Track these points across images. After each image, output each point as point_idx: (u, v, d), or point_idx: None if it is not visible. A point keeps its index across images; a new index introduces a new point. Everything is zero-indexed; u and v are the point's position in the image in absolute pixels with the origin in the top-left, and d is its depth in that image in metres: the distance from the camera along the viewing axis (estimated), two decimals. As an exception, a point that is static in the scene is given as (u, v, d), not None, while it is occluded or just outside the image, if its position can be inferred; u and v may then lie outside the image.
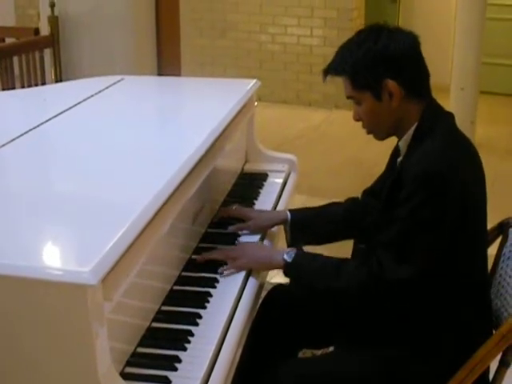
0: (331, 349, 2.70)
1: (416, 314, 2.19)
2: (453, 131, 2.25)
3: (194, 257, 2.39)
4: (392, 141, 2.39)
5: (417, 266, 2.09)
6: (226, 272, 2.28)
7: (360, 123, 2.33)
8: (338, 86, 2.31)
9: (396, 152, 2.41)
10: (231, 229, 2.60)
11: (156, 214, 1.89)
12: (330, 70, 2.31)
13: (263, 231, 2.64)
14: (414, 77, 2.24)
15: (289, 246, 2.63)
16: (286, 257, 2.27)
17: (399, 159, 2.33)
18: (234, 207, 2.71)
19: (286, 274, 2.32)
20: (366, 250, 2.42)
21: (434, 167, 2.10)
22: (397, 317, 2.21)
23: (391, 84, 2.19)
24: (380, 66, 2.20)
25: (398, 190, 2.18)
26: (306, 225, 2.64)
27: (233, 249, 2.40)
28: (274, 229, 2.71)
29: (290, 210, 2.66)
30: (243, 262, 2.32)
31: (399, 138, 2.32)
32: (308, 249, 2.48)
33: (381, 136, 2.34)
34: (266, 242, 2.61)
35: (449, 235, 2.11)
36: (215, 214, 2.72)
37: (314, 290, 2.37)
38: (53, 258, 1.67)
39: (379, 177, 2.60)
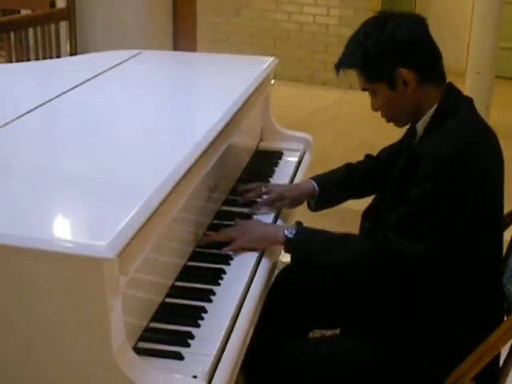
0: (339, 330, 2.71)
1: (426, 298, 2.18)
2: (473, 115, 2.24)
3: (208, 233, 2.39)
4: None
5: (426, 244, 2.08)
6: (227, 252, 2.26)
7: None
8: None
9: (412, 133, 2.39)
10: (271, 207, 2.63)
11: (172, 190, 1.89)
12: (342, 64, 2.30)
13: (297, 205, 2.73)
14: (425, 61, 2.22)
15: (312, 211, 2.73)
16: (286, 233, 2.25)
17: (416, 140, 2.32)
18: (263, 188, 2.69)
19: (286, 251, 2.30)
20: (372, 229, 2.41)
21: (453, 150, 2.09)
22: (406, 300, 2.20)
23: (404, 72, 2.17)
24: (390, 55, 2.18)
25: (412, 169, 2.16)
26: (331, 193, 2.71)
27: (233, 228, 2.36)
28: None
29: (315, 180, 2.69)
30: (243, 241, 2.29)
31: (417, 121, 2.30)
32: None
33: (401, 123, 2.34)
34: (279, 221, 2.60)
35: (463, 218, 2.09)
36: (235, 191, 2.73)
37: (316, 266, 2.34)
38: (70, 232, 1.67)
39: (389, 147, 2.64)
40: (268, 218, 2.56)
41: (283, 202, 2.66)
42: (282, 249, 2.32)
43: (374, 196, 2.57)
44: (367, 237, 2.23)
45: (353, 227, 2.55)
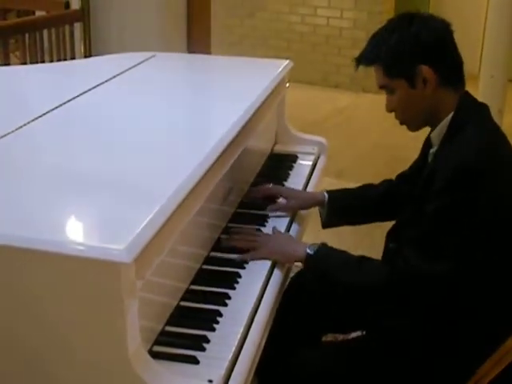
0: (353, 335, 2.70)
1: (443, 308, 2.16)
2: (489, 124, 2.22)
3: (222, 236, 2.38)
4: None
5: (447, 262, 2.04)
6: (245, 259, 2.26)
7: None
8: (366, 69, 2.29)
9: (428, 143, 2.38)
10: (271, 208, 2.61)
11: (189, 194, 1.88)
12: (362, 59, 2.28)
13: (301, 209, 2.69)
14: (447, 64, 2.21)
15: (323, 227, 2.68)
16: (308, 250, 2.24)
17: (432, 150, 2.30)
18: (270, 185, 2.71)
19: (306, 268, 2.30)
20: (396, 250, 2.38)
21: (470, 161, 2.06)
22: (424, 312, 2.19)
23: (425, 69, 2.16)
24: (413, 51, 2.17)
25: (429, 184, 2.14)
26: (342, 207, 2.66)
27: (255, 237, 2.36)
28: (303, 211, 2.70)
29: (327, 192, 2.66)
30: (264, 252, 2.29)
31: (432, 129, 2.29)
32: (337, 238, 2.46)
33: (414, 126, 2.30)
34: (294, 225, 2.60)
35: (481, 232, 2.06)
36: (246, 193, 2.72)
37: (334, 285, 2.31)
38: (86, 235, 1.67)
39: (412, 164, 2.58)
40: (283, 222, 2.56)
41: (288, 202, 2.64)
42: (302, 265, 2.31)
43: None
44: (387, 260, 2.21)
45: (366, 230, 2.55)
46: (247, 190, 2.72)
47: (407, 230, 2.25)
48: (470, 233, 2.05)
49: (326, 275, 2.26)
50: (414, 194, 2.30)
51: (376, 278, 2.15)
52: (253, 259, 2.26)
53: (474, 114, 2.21)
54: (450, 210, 2.06)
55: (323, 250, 2.26)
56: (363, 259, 2.21)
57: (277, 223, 2.54)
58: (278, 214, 2.61)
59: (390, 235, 2.43)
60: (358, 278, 2.18)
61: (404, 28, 2.20)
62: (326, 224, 2.68)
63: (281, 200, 2.67)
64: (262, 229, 2.48)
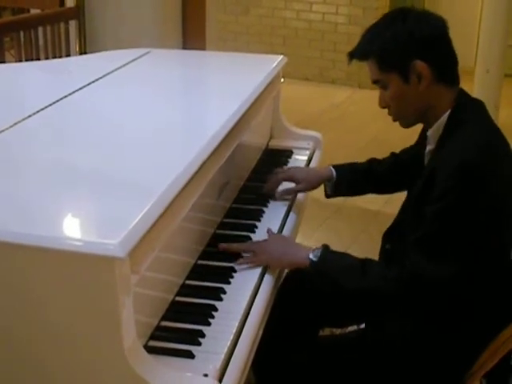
0: (350, 329, 2.70)
1: (447, 308, 2.14)
2: (487, 121, 2.20)
3: (218, 232, 2.39)
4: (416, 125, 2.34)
5: (456, 264, 2.02)
6: (242, 266, 2.22)
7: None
8: (361, 64, 2.27)
9: (423, 141, 2.36)
10: (281, 193, 2.69)
11: (183, 189, 1.88)
12: (356, 53, 2.26)
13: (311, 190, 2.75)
14: (442, 60, 2.19)
15: (327, 197, 2.74)
16: (311, 256, 2.20)
17: (428, 149, 2.28)
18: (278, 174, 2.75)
19: (311, 273, 2.26)
20: (392, 251, 2.37)
21: (473, 160, 2.03)
22: (430, 313, 2.17)
23: (420, 65, 2.13)
24: (408, 46, 2.14)
25: (429, 185, 2.11)
26: (349, 182, 2.70)
27: (254, 243, 2.33)
28: (301, 198, 2.77)
29: (334, 167, 2.69)
30: (263, 258, 2.25)
31: (428, 127, 2.26)
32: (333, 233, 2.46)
33: (407, 123, 2.28)
34: (291, 214, 2.63)
35: (486, 232, 2.05)
36: (241, 189, 2.74)
37: (340, 289, 2.27)
38: (81, 230, 1.67)
39: (408, 149, 2.63)
40: (280, 211, 2.59)
41: (298, 185, 2.70)
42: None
43: (395, 217, 2.46)
44: (390, 262, 2.18)
45: (363, 226, 2.55)
46: (264, 186, 2.74)
47: (409, 232, 2.19)
48: (475, 232, 2.04)
49: (331, 281, 2.23)
50: (412, 197, 2.29)
51: (383, 282, 2.11)
52: (251, 263, 2.23)
53: (472, 112, 2.18)
54: (455, 210, 2.03)
55: (326, 255, 2.21)
56: (366, 263, 2.16)
57: (275, 213, 2.57)
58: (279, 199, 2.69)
59: (387, 236, 2.43)
60: (364, 284, 2.14)
61: (399, 23, 2.17)
62: (330, 196, 2.73)
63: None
64: (257, 223, 2.49)
